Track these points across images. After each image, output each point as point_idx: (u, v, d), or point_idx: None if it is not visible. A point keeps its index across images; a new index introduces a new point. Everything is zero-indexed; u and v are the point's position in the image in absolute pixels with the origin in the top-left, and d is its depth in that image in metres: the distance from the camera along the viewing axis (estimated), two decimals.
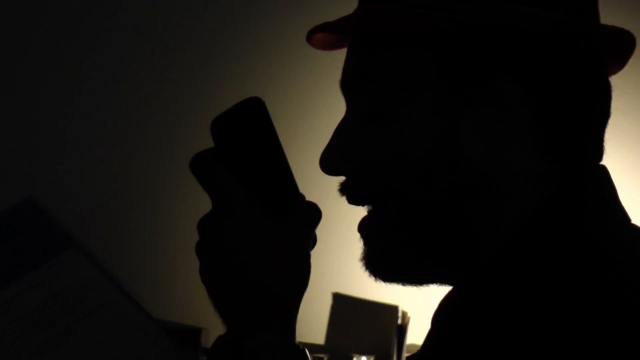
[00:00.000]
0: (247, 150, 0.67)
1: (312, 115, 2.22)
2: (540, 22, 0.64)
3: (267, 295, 0.64)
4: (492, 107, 0.65)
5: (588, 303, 0.54)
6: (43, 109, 2.06)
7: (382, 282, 0.71)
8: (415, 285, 0.71)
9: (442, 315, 0.66)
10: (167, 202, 2.11)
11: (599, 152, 0.70)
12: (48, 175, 2.04)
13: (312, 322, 2.33)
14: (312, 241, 0.70)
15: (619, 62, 0.71)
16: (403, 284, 0.71)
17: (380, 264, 0.70)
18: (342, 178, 0.72)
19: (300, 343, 0.67)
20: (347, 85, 0.71)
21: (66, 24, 2.09)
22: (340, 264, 2.19)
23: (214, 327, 0.83)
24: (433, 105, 0.66)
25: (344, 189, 0.71)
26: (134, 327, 0.70)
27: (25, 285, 0.70)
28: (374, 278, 0.71)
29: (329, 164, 0.70)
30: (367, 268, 0.71)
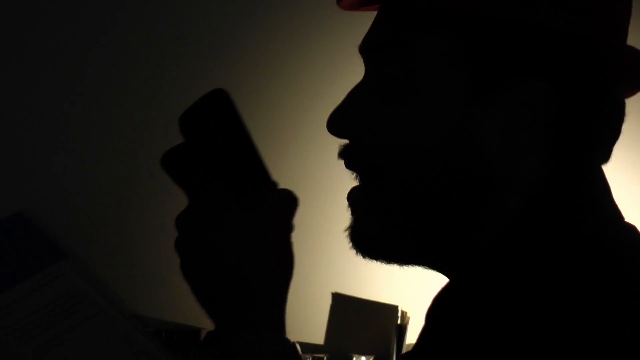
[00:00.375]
0: (216, 143, 0.66)
1: (311, 114, 2.22)
2: (578, 30, 0.63)
3: (251, 290, 0.64)
4: (519, 105, 0.64)
5: (579, 297, 0.54)
6: (42, 108, 2.06)
7: (363, 258, 0.69)
8: (398, 264, 0.69)
9: (435, 311, 0.66)
10: (167, 202, 2.10)
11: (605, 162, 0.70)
12: (48, 175, 2.04)
13: (312, 321, 2.33)
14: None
15: (634, 86, 0.71)
16: (385, 262, 0.69)
17: (365, 239, 0.68)
18: (345, 142, 0.69)
19: (299, 342, 0.66)
20: (371, 50, 0.68)
21: (66, 23, 2.09)
22: (339, 264, 2.19)
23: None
24: (458, 90, 0.64)
25: (344, 153, 0.68)
26: (125, 338, 0.70)
27: (16, 295, 0.70)
28: (355, 252, 0.69)
29: (336, 123, 0.68)
30: (350, 240, 0.69)
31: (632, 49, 0.67)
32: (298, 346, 0.64)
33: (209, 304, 0.65)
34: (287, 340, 0.64)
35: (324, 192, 0.67)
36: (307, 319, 2.33)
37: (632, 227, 0.66)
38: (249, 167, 0.67)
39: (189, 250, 0.65)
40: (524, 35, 0.64)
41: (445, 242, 0.66)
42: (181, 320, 1.96)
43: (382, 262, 0.69)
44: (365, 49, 0.69)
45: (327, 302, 2.35)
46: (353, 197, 0.69)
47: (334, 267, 2.24)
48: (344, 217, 0.72)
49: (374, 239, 0.68)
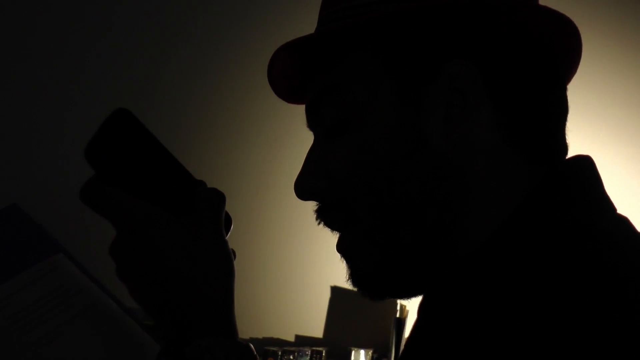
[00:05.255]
0: (130, 166, 0.65)
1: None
2: None
3: (196, 299, 0.64)
4: (448, 91, 0.64)
5: (572, 291, 0.54)
6: (42, 108, 2.06)
7: (373, 300, 0.71)
8: (405, 298, 0.70)
9: (428, 305, 0.66)
10: None
11: (563, 142, 0.69)
12: (48, 175, 2.04)
13: (311, 315, 2.33)
14: (227, 225, 0.69)
15: (568, 55, 0.70)
16: (393, 298, 0.70)
17: (367, 283, 0.69)
18: (316, 204, 0.71)
19: (298, 336, 0.66)
20: (311, 110, 0.71)
21: (66, 23, 2.09)
22: (338, 258, 2.19)
23: None
24: (391, 102, 0.65)
25: (320, 213, 0.70)
26: (122, 330, 0.71)
27: (13, 288, 0.70)
28: (363, 295, 0.70)
29: (301, 187, 0.70)
30: (354, 285, 0.70)
31: (543, 6, 0.66)
32: (252, 346, 0.64)
33: (162, 319, 0.65)
34: (240, 343, 0.64)
35: None
36: (307, 312, 2.33)
37: (624, 220, 0.65)
38: (170, 178, 0.67)
39: (132, 276, 0.65)
40: (421, 22, 0.65)
41: (433, 247, 0.65)
42: None
43: (390, 297, 0.70)
44: (307, 113, 0.72)
45: (327, 295, 2.35)
46: (341, 246, 0.71)
47: (333, 260, 2.24)
48: None
49: (372, 275, 0.69)
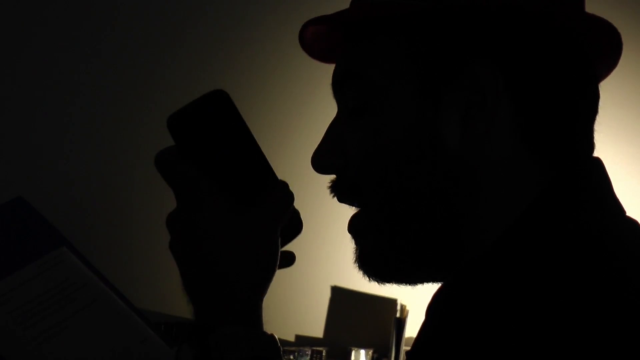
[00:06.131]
0: (210, 146, 0.66)
1: (309, 111, 2.22)
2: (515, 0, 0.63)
3: (230, 288, 0.65)
4: (468, 91, 0.64)
5: (580, 295, 0.54)
6: (42, 108, 2.06)
7: (377, 283, 0.71)
8: (410, 284, 0.71)
9: (436, 305, 0.66)
10: (168, 197, 2.10)
11: (589, 144, 0.69)
12: (47, 174, 2.04)
13: (311, 315, 2.33)
14: (294, 228, 0.70)
15: (606, 58, 0.70)
16: (397, 283, 0.71)
17: (372, 263, 0.70)
18: (333, 177, 0.72)
19: (299, 335, 0.67)
20: (335, 86, 0.72)
21: (66, 23, 2.09)
22: (338, 258, 2.20)
23: None
24: (411, 93, 0.66)
25: (333, 187, 0.71)
26: (126, 323, 0.71)
27: (18, 281, 0.70)
28: (367, 279, 0.71)
29: (318, 161, 0.71)
30: (360, 268, 0.71)
31: (587, 14, 0.66)
32: (276, 337, 0.65)
33: (196, 302, 0.66)
34: (265, 333, 0.65)
35: (324, 186, 0.67)
36: (307, 312, 2.33)
37: (634, 222, 0.65)
38: (247, 168, 0.67)
39: (181, 250, 0.66)
40: (456, 21, 0.64)
41: (444, 241, 0.66)
42: (180, 314, 1.96)
43: (393, 283, 0.71)
44: (332, 87, 0.73)
45: (327, 295, 2.35)
46: (352, 224, 0.71)
47: (333, 260, 2.24)
48: (343, 211, 0.73)
49: (376, 259, 0.69)
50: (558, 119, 0.65)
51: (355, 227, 0.71)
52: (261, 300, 0.67)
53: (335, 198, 0.72)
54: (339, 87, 0.72)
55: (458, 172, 0.64)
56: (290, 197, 0.69)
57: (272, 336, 0.65)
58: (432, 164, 0.65)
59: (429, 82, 0.65)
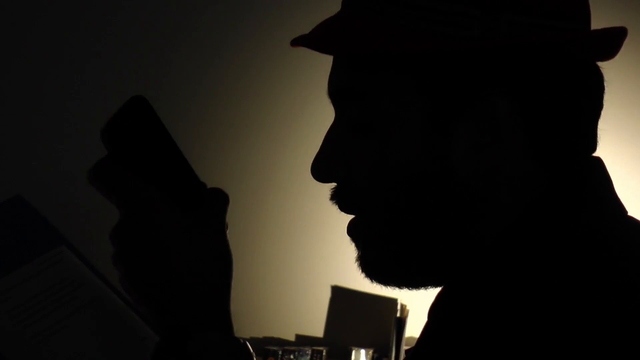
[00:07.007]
0: (143, 151, 0.65)
1: (307, 115, 2.22)
2: (528, 34, 0.63)
3: (198, 294, 0.64)
4: (481, 120, 0.64)
5: (581, 295, 0.54)
6: (41, 108, 2.06)
7: (378, 285, 0.72)
8: (412, 289, 0.71)
9: (439, 307, 0.66)
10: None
11: (592, 144, 0.69)
12: (46, 173, 2.04)
13: (311, 314, 2.33)
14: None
15: (610, 55, 0.70)
16: (399, 288, 0.71)
17: (374, 270, 0.70)
18: (333, 185, 0.71)
19: (299, 335, 0.67)
20: (334, 97, 0.71)
21: (65, 23, 2.09)
22: (339, 257, 2.19)
23: None
24: (420, 122, 0.66)
25: (335, 195, 0.71)
26: (125, 322, 0.71)
27: (16, 280, 0.70)
28: (370, 280, 0.71)
29: (319, 171, 0.70)
30: (362, 271, 0.71)
31: (596, 32, 0.67)
32: (249, 345, 0.65)
33: (157, 314, 0.65)
34: (237, 340, 0.64)
35: (324, 187, 0.67)
36: (307, 312, 2.33)
37: (635, 222, 0.65)
38: (180, 171, 0.67)
39: (130, 262, 0.65)
40: (470, 58, 0.64)
41: (444, 252, 0.66)
42: None
43: (394, 287, 0.71)
44: (329, 95, 0.71)
45: (327, 295, 2.35)
46: (351, 230, 0.71)
47: (332, 260, 2.24)
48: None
49: (379, 264, 0.69)
50: (566, 132, 0.66)
51: (356, 234, 0.71)
52: (229, 304, 0.66)
53: (337, 206, 0.71)
54: (336, 99, 0.71)
55: (469, 197, 0.65)
56: (226, 195, 0.68)
57: (245, 343, 0.65)
58: (440, 190, 0.65)
59: (439, 113, 0.65)
